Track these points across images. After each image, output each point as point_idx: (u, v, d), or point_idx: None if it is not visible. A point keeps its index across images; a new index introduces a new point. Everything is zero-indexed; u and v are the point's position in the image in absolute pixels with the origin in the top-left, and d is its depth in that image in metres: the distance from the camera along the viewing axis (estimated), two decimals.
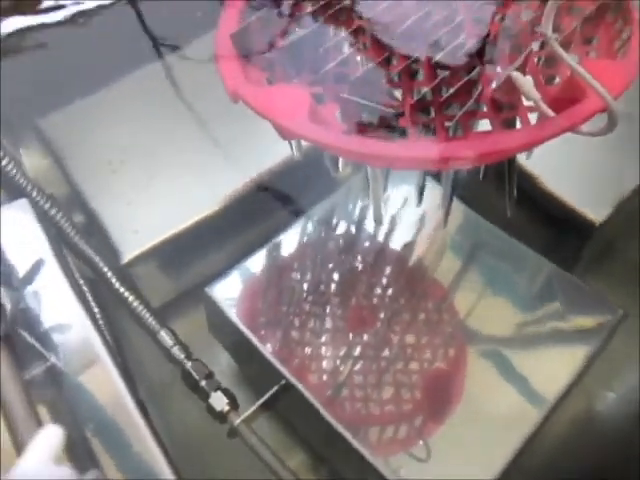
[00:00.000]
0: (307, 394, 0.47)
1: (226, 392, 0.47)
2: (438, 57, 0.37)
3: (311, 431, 0.52)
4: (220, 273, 0.52)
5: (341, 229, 0.56)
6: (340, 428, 0.46)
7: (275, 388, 0.47)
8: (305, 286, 0.53)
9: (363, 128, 0.35)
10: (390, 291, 0.56)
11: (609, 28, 0.39)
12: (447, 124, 0.35)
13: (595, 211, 0.52)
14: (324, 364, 0.50)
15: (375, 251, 0.56)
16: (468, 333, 0.53)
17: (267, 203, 0.58)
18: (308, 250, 0.55)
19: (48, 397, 0.30)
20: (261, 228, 0.58)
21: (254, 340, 0.48)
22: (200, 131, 0.58)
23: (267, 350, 0.48)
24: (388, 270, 0.56)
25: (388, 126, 0.35)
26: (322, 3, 0.41)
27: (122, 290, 0.47)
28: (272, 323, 0.51)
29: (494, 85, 0.37)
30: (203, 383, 0.47)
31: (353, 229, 0.57)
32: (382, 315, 0.54)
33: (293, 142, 0.45)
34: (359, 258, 0.56)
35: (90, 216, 0.54)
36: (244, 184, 0.56)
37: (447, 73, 0.37)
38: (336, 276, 0.55)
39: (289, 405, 0.49)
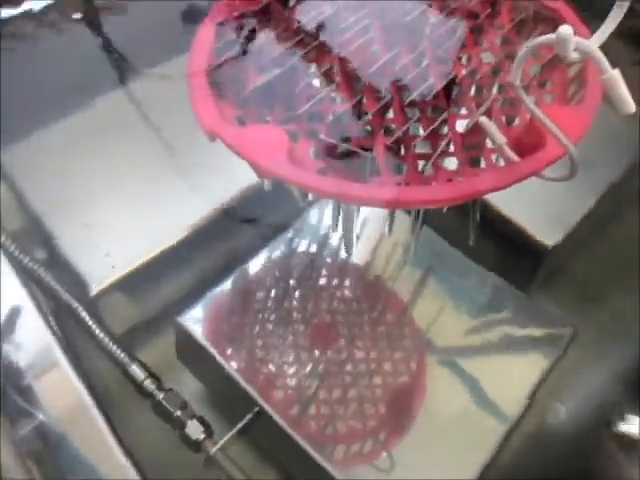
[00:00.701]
0: (276, 416, 0.48)
1: (201, 420, 0.48)
2: (408, 99, 0.39)
3: (281, 451, 0.53)
4: (189, 300, 0.53)
5: (307, 253, 0.58)
6: (307, 446, 0.47)
7: (250, 415, 0.48)
8: (274, 310, 0.54)
9: (338, 168, 0.36)
10: (353, 309, 0.58)
11: (563, 72, 0.42)
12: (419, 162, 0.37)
13: (548, 236, 0.56)
14: (292, 383, 0.51)
15: (339, 273, 0.58)
16: (428, 347, 0.55)
17: (235, 228, 0.58)
18: (276, 274, 0.56)
19: (36, 451, 0.30)
20: (230, 253, 0.58)
21: (226, 366, 0.49)
22: (166, 158, 0.58)
23: (239, 375, 0.49)
24: (351, 289, 0.58)
25: (362, 165, 0.37)
26: (295, 41, 0.43)
27: (92, 325, 0.47)
28: (242, 348, 0.51)
29: (461, 127, 0.39)
30: (178, 413, 0.47)
31: (319, 252, 0.58)
32: (345, 332, 0.56)
33: None
34: (324, 280, 0.58)
35: (54, 249, 0.53)
36: (211, 210, 0.56)
37: (417, 114, 0.39)
38: (302, 298, 0.56)
39: (260, 428, 0.50)
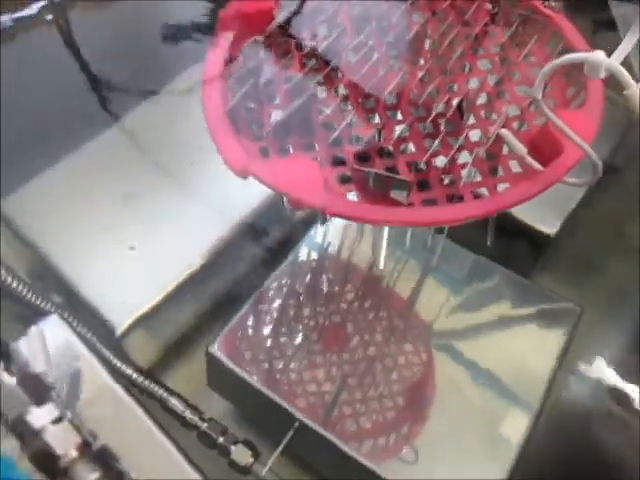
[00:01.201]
0: (319, 427, 0.50)
1: (246, 443, 0.49)
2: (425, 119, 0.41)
3: (323, 459, 0.54)
4: (212, 325, 0.54)
5: (318, 267, 0.59)
6: (352, 451, 0.49)
7: (291, 431, 0.50)
8: (296, 325, 0.55)
9: (375, 194, 0.38)
10: (364, 311, 0.60)
11: (560, 77, 0.44)
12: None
13: (547, 224, 0.59)
14: (325, 393, 0.52)
15: (350, 281, 0.59)
16: (440, 341, 0.58)
17: (253, 245, 0.59)
18: (292, 290, 0.57)
19: None
20: (250, 272, 0.59)
21: (264, 390, 0.50)
22: (169, 187, 0.58)
23: (278, 396, 0.50)
24: (361, 293, 0.60)
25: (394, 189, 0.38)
26: (307, 68, 0.44)
27: (128, 369, 0.47)
28: (274, 368, 0.52)
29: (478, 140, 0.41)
30: (221, 440, 0.48)
31: (329, 265, 0.60)
32: (361, 334, 0.58)
33: None
34: (336, 289, 0.60)
35: (72, 293, 0.53)
36: (223, 235, 0.56)
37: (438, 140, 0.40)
38: (319, 309, 0.58)
39: (300, 440, 0.52)
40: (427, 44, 0.46)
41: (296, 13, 0.47)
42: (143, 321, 0.52)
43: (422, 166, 0.40)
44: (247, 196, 0.57)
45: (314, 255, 0.59)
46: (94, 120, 0.61)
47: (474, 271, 0.61)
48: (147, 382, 0.48)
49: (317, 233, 0.59)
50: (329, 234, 0.59)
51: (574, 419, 0.61)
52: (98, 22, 0.66)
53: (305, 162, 0.37)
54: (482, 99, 0.43)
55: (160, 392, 0.48)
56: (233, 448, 0.48)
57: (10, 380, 0.28)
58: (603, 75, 0.29)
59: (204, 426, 0.48)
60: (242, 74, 0.43)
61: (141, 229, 0.56)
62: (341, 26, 0.47)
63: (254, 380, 0.50)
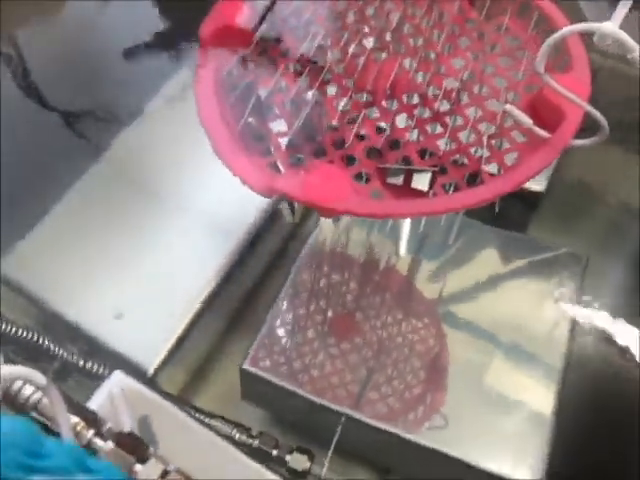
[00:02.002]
0: (365, 418, 0.51)
1: (300, 449, 0.49)
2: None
3: (371, 446, 0.55)
4: (236, 343, 0.54)
5: (327, 265, 0.60)
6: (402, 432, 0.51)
7: (339, 427, 0.51)
8: (316, 325, 0.56)
9: (396, 187, 0.38)
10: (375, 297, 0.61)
11: (537, 43, 0.46)
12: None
13: (537, 182, 0.61)
14: (357, 382, 0.53)
15: (363, 274, 0.60)
16: (447, 311, 0.60)
17: (258, 257, 0.59)
18: (315, 290, 0.58)
19: None
20: (259, 284, 0.59)
21: (304, 394, 0.51)
22: (170, 209, 0.57)
23: (317, 396, 0.51)
24: (372, 282, 0.62)
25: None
26: (299, 72, 0.44)
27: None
28: (306, 370, 0.53)
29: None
30: (275, 452, 0.49)
31: (337, 262, 0.61)
32: (380, 322, 0.59)
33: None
34: (351, 283, 0.60)
35: (93, 342, 0.52)
36: (233, 247, 0.56)
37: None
38: (336, 304, 0.59)
39: (348, 435, 0.53)
40: (405, 30, 0.47)
41: (264, 17, 0.47)
42: (169, 355, 0.52)
43: (433, 152, 0.41)
44: (244, 210, 0.57)
45: (323, 253, 0.60)
46: (75, 158, 0.59)
47: (472, 237, 0.62)
48: (190, 411, 0.48)
49: (322, 231, 0.60)
50: (332, 229, 0.60)
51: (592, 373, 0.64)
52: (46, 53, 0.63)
53: (331, 170, 0.37)
54: (471, 77, 0.45)
55: (205, 419, 0.48)
56: (289, 457, 0.48)
57: (107, 444, 0.28)
58: (610, 42, 0.31)
59: (255, 442, 0.49)
60: (239, 92, 0.42)
61: (147, 263, 0.55)
62: (317, 25, 0.47)
63: (293, 386, 0.50)
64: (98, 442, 0.28)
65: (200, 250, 0.55)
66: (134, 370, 0.50)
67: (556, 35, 0.34)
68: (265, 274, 0.62)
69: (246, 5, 0.46)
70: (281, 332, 0.54)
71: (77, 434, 0.27)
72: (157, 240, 0.56)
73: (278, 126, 0.42)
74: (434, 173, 0.39)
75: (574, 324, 0.56)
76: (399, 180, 0.38)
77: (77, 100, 0.63)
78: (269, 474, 0.37)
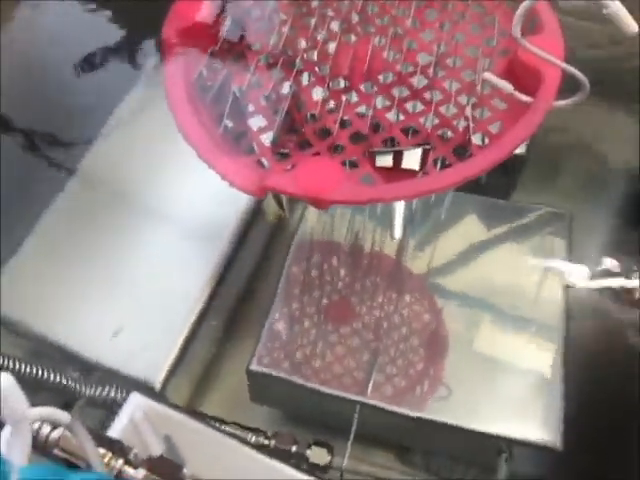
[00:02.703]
0: (377, 402, 0.51)
1: (318, 443, 0.49)
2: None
3: (385, 429, 0.55)
4: (235, 346, 0.53)
5: (329, 248, 0.59)
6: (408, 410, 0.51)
7: (355, 415, 0.50)
8: (316, 315, 0.56)
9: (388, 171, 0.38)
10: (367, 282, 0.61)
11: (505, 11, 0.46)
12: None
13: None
14: (363, 368, 0.53)
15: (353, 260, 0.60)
16: (439, 284, 0.60)
17: (246, 259, 0.58)
18: (303, 284, 0.57)
19: None
20: (252, 285, 0.58)
21: (315, 386, 0.50)
22: (152, 220, 0.56)
23: (328, 387, 0.50)
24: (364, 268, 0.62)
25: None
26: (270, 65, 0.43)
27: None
28: (311, 362, 0.52)
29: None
30: (294, 449, 0.48)
31: (327, 250, 0.60)
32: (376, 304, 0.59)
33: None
34: (343, 270, 0.60)
35: (94, 366, 0.50)
36: (220, 252, 0.55)
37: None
38: (332, 291, 0.58)
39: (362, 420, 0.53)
40: (370, 9, 0.46)
41: (223, 11, 0.46)
42: (173, 368, 0.50)
43: (416, 129, 0.41)
44: (226, 211, 0.55)
45: (312, 244, 0.59)
46: (45, 178, 0.56)
47: (457, 208, 0.61)
48: (211, 422, 0.47)
49: (307, 222, 0.59)
50: (318, 218, 0.59)
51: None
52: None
53: (321, 161, 0.36)
54: (441, 48, 0.44)
55: (219, 426, 0.47)
56: (309, 452, 0.48)
57: (139, 472, 0.27)
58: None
59: (272, 443, 0.48)
60: (213, 93, 0.41)
61: (136, 278, 0.53)
62: (280, 13, 0.46)
63: (302, 380, 0.50)
64: (130, 471, 0.27)
65: (188, 257, 0.54)
66: (140, 387, 0.49)
67: (526, 3, 0.34)
68: (254, 273, 0.61)
69: (204, 2, 0.45)
70: (283, 328, 0.53)
71: (106, 466, 0.26)
72: (143, 253, 0.54)
73: (257, 122, 0.41)
74: (424, 150, 0.39)
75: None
76: (389, 162, 0.38)
77: (35, 117, 0.60)
78: (300, 475, 0.37)
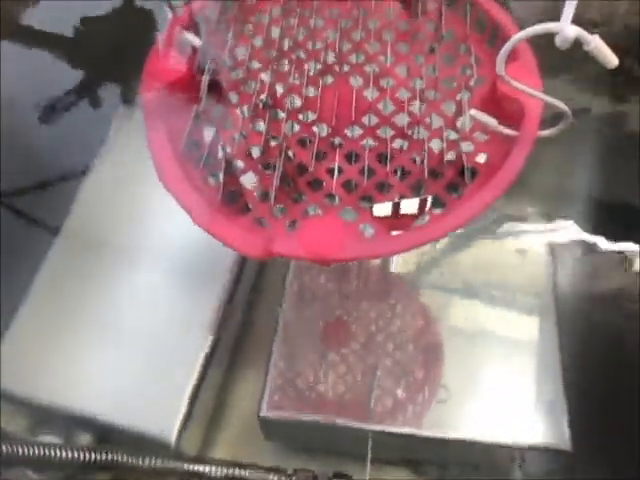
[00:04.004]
0: (394, 428, 0.52)
1: (337, 475, 0.50)
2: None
3: (399, 450, 0.57)
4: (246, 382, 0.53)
5: (324, 280, 0.60)
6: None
7: (370, 443, 0.51)
8: (325, 345, 0.56)
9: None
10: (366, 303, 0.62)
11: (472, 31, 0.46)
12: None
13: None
14: (366, 393, 0.54)
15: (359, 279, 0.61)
16: (427, 288, 0.61)
17: (244, 291, 0.58)
18: (302, 318, 0.58)
19: None
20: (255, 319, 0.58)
21: (326, 422, 0.51)
22: (147, 266, 0.55)
23: (344, 421, 0.51)
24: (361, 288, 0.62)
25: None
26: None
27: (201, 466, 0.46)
28: (320, 396, 0.53)
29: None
30: None
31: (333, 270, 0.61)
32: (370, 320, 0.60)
33: None
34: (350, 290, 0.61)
35: (105, 430, 0.50)
36: (218, 289, 0.55)
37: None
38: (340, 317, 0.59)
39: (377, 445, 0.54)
40: (344, 47, 0.46)
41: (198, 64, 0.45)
42: (185, 421, 0.50)
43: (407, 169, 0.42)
44: (220, 252, 0.54)
45: (305, 282, 0.59)
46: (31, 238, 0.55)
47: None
48: (223, 469, 0.47)
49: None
50: None
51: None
52: None
53: (324, 222, 0.36)
54: (419, 83, 0.45)
55: (238, 471, 0.48)
56: None
57: None
58: (571, 40, 0.32)
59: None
60: (201, 154, 0.41)
61: (140, 329, 0.53)
62: (255, 61, 0.46)
63: (314, 417, 0.51)
64: None
65: (185, 303, 0.54)
66: (154, 444, 0.49)
67: (514, 38, 0.35)
68: (250, 308, 0.61)
69: (177, 57, 0.44)
70: (287, 368, 0.53)
71: None
72: (140, 306, 0.54)
73: (249, 180, 0.41)
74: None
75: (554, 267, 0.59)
76: (387, 211, 0.38)
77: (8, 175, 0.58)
78: None
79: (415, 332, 0.59)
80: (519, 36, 0.35)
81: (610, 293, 0.65)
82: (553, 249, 0.63)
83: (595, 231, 0.65)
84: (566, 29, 0.32)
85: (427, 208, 0.37)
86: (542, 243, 0.63)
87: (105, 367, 0.51)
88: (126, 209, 0.56)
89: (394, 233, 0.38)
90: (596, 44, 0.33)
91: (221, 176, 0.39)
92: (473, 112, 0.39)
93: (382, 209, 0.38)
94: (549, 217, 0.64)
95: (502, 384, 0.55)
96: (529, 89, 0.38)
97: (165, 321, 0.53)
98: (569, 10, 0.33)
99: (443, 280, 0.62)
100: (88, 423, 0.50)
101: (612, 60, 0.33)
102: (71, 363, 0.51)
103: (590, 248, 0.67)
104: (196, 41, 0.44)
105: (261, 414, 0.50)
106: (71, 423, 0.50)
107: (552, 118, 0.40)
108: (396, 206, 0.38)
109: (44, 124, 0.63)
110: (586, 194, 0.65)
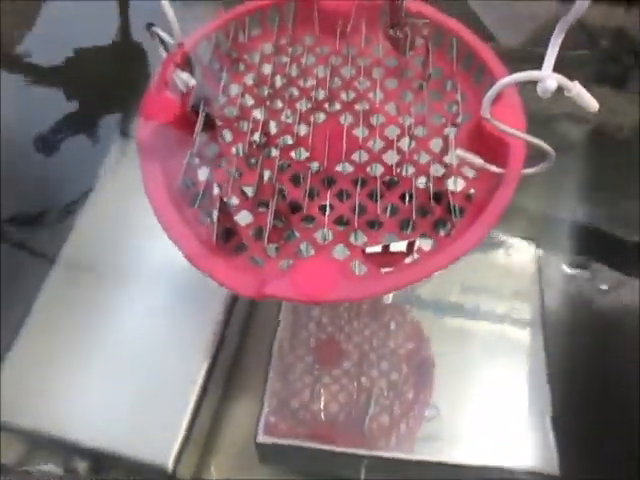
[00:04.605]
0: (390, 454, 0.53)
1: None
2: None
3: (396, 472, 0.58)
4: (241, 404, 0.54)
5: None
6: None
7: (363, 468, 0.53)
8: (315, 370, 0.58)
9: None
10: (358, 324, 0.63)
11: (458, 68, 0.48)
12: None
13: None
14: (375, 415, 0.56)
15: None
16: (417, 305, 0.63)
17: (239, 314, 0.59)
18: (299, 340, 0.59)
19: None
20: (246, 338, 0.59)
21: (324, 447, 0.52)
22: (143, 296, 0.56)
23: (336, 445, 0.53)
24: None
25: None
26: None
27: None
28: (316, 420, 0.55)
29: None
30: None
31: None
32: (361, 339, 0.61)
33: None
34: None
35: (102, 457, 0.50)
36: (215, 313, 0.56)
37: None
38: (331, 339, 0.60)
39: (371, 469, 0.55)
40: (334, 84, 0.47)
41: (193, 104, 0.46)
42: (182, 447, 0.51)
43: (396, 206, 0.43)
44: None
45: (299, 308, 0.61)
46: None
47: None
48: None
49: None
50: None
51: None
52: None
53: (317, 263, 0.37)
54: (408, 120, 0.46)
55: None
56: None
57: None
58: (552, 90, 0.33)
59: None
60: (195, 194, 0.42)
61: (137, 355, 0.53)
62: (248, 97, 0.47)
63: (314, 443, 0.52)
64: None
65: (182, 329, 0.55)
66: (152, 470, 0.50)
67: (498, 84, 0.36)
68: (246, 332, 0.62)
69: (173, 98, 0.45)
70: (284, 393, 0.55)
71: None
72: (137, 331, 0.55)
73: (244, 218, 0.42)
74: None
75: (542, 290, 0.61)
76: (377, 250, 0.39)
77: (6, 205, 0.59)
78: None
79: (407, 352, 0.61)
80: (503, 83, 0.36)
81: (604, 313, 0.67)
82: (541, 269, 0.65)
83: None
84: (547, 79, 0.33)
85: (415, 248, 0.38)
86: (530, 261, 0.65)
87: (102, 394, 0.52)
88: (123, 237, 0.57)
89: (384, 270, 0.39)
90: (577, 91, 0.34)
91: (215, 214, 0.40)
92: (459, 152, 0.40)
93: (373, 247, 0.39)
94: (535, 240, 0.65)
95: (491, 406, 0.57)
96: (512, 130, 0.39)
97: (162, 347, 0.54)
98: (550, 59, 0.34)
99: (435, 299, 0.63)
100: (86, 451, 0.51)
101: (593, 105, 0.35)
102: (68, 391, 0.52)
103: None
104: (190, 80, 0.45)
105: (258, 439, 0.51)
106: (69, 451, 0.51)
107: (538, 154, 0.42)
108: (386, 245, 0.39)
109: (41, 154, 0.64)
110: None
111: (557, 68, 0.35)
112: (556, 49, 0.35)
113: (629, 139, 0.74)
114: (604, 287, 0.68)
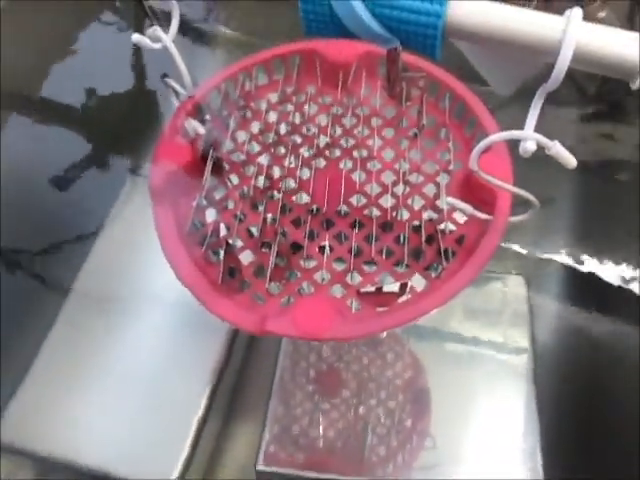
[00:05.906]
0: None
1: None
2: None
3: None
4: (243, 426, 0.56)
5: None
6: None
7: None
8: (318, 400, 0.60)
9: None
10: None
11: (450, 117, 0.51)
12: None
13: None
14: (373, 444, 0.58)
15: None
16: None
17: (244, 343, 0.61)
18: (300, 368, 0.61)
19: None
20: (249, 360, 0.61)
21: (320, 474, 0.54)
22: (146, 332, 0.59)
23: (337, 473, 0.55)
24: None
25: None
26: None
27: None
28: (318, 449, 0.57)
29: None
30: None
31: None
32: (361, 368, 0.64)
33: None
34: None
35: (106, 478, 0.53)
36: (219, 336, 0.58)
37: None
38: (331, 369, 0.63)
39: None
40: (335, 132, 0.50)
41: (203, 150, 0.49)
42: (185, 467, 0.53)
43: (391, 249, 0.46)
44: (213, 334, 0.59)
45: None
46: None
47: None
48: None
49: None
50: None
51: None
52: None
53: (316, 302, 0.40)
54: (403, 166, 0.49)
55: None
56: None
57: None
58: (532, 150, 0.36)
59: None
60: (203, 234, 0.45)
61: (142, 379, 0.56)
62: (254, 144, 0.50)
63: (313, 472, 0.54)
64: None
65: (186, 353, 0.57)
66: None
67: (484, 141, 0.39)
68: (248, 357, 0.64)
69: (185, 145, 0.48)
70: (284, 420, 0.57)
71: None
72: (142, 355, 0.58)
73: (247, 257, 0.45)
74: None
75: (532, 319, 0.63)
76: (371, 289, 0.42)
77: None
78: None
79: (405, 381, 0.63)
80: (489, 140, 0.39)
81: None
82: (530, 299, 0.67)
83: None
84: (528, 140, 0.36)
85: (407, 289, 0.41)
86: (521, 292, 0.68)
87: (107, 418, 0.55)
88: (133, 269, 0.61)
89: (379, 309, 0.42)
90: (557, 150, 0.37)
91: (222, 254, 0.43)
92: (449, 199, 0.43)
93: (366, 288, 0.42)
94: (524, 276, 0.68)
95: (485, 434, 0.59)
96: (498, 182, 0.42)
97: (167, 371, 0.57)
98: (532, 120, 0.37)
99: (433, 328, 0.66)
100: (91, 473, 0.53)
101: (571, 162, 0.37)
102: (75, 415, 0.55)
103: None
104: (200, 128, 0.48)
105: (258, 468, 0.54)
106: (75, 474, 0.54)
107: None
108: (379, 287, 0.42)
109: (57, 189, 0.67)
110: None
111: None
112: (537, 112, 0.38)
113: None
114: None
